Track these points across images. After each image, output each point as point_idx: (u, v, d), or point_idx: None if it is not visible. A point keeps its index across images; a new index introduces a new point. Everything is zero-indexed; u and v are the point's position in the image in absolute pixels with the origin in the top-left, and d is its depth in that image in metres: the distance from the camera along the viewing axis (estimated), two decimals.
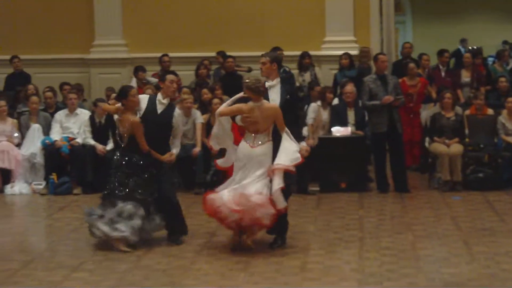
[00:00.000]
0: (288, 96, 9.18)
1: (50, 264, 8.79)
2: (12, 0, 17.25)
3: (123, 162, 9.26)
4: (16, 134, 13.54)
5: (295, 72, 15.63)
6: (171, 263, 8.72)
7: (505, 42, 23.67)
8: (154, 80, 15.14)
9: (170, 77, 9.62)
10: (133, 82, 15.36)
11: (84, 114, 13.57)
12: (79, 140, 13.28)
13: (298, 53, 15.71)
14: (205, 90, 13.77)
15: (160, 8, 16.85)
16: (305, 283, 7.98)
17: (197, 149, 12.86)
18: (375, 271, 8.27)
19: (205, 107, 13.36)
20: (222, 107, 9.16)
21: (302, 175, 12.24)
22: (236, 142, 9.26)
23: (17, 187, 13.13)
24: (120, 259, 8.82)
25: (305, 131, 13.00)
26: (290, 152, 8.94)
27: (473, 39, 25.01)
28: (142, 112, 9.40)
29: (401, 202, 11.82)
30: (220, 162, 9.47)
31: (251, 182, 8.88)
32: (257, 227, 9.01)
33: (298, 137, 9.17)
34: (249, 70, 15.62)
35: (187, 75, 15.73)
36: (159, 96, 9.57)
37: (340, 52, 15.70)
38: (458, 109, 13.36)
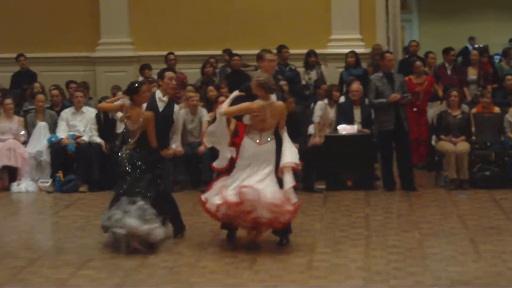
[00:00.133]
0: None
1: (57, 262, 8.80)
2: None
3: (138, 159, 9.17)
4: (22, 132, 13.55)
5: (301, 70, 15.63)
6: (177, 261, 8.72)
7: (511, 40, 23.60)
8: None
9: (168, 74, 9.66)
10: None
11: (90, 112, 13.58)
12: (85, 138, 13.29)
13: (304, 51, 15.70)
14: (211, 88, 13.76)
15: (166, 6, 16.85)
16: (311, 281, 7.97)
17: (203, 147, 12.84)
18: (382, 269, 8.26)
19: (211, 104, 13.35)
20: (226, 107, 9.03)
21: (308, 173, 12.30)
22: (239, 141, 9.21)
23: (24, 185, 13.14)
24: (126, 257, 8.80)
25: (311, 129, 13.02)
26: (293, 151, 9.02)
27: (480, 37, 24.98)
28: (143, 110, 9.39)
29: (408, 200, 11.80)
30: (216, 164, 9.33)
31: (262, 180, 8.85)
32: (275, 225, 8.96)
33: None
34: (256, 69, 15.57)
35: (193, 73, 15.75)
36: (158, 93, 9.57)
37: (346, 50, 15.68)
38: (465, 107, 13.34)
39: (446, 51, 15.49)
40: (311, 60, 15.59)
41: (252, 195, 8.74)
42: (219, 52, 16.25)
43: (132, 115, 9.22)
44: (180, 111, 13.07)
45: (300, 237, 9.46)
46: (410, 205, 11.54)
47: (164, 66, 15.86)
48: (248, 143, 9.01)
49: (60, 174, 13.04)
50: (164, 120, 9.45)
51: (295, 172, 9.07)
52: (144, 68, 15.60)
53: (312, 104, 13.64)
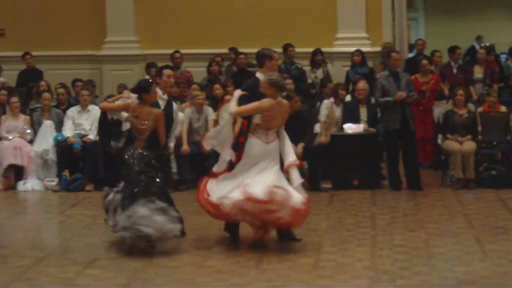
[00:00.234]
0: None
1: (63, 261, 8.81)
2: None
3: (152, 158, 9.11)
4: (28, 131, 13.56)
5: (307, 69, 15.62)
6: (183, 260, 8.71)
7: None
8: None
9: (166, 72, 9.68)
10: None
11: (96, 110, 13.53)
12: (91, 136, 13.29)
13: (310, 50, 15.69)
14: (217, 86, 13.74)
15: (172, 4, 16.85)
16: (317, 280, 7.97)
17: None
18: (388, 268, 8.25)
19: (217, 103, 13.33)
20: (236, 107, 8.91)
21: (314, 172, 12.30)
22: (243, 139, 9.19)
23: (30, 184, 13.15)
24: (132, 256, 8.80)
25: (317, 128, 13.01)
26: (293, 149, 9.18)
27: (486, 36, 24.89)
28: None
29: (414, 200, 11.79)
30: (215, 168, 9.21)
31: (275, 178, 8.87)
32: (293, 225, 9.03)
33: None
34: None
35: (199, 71, 15.74)
36: (158, 91, 9.57)
37: (352, 49, 15.66)
38: (471, 106, 13.32)
39: (452, 49, 15.46)
40: (317, 58, 15.58)
41: (283, 196, 8.75)
42: (225, 50, 16.25)
43: (140, 114, 9.21)
44: (186, 110, 13.19)
45: (306, 236, 9.46)
46: (416, 204, 11.52)
47: (170, 64, 15.91)
48: (255, 142, 8.99)
49: (66, 172, 13.05)
50: (166, 118, 9.45)
51: (300, 168, 9.21)
52: (150, 66, 15.56)
53: (318, 103, 13.63)
